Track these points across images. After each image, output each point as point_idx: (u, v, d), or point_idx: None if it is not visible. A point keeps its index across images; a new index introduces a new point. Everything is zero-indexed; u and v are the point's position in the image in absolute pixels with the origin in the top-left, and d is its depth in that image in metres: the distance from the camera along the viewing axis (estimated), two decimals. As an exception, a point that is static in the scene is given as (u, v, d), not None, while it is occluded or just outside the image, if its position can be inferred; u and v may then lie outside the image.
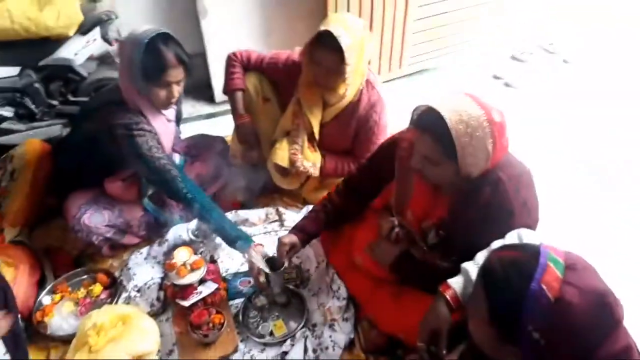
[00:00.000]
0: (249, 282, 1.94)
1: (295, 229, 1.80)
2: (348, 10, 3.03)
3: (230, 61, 2.24)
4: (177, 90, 1.86)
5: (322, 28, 1.85)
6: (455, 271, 1.38)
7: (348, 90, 2.01)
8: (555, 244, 0.96)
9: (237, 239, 1.78)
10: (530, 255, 0.91)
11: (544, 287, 0.84)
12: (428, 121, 1.35)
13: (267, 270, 1.71)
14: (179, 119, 2.28)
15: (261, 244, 1.82)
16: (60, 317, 1.82)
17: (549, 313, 0.84)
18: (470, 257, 1.37)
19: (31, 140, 2.30)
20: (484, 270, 0.97)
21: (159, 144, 1.91)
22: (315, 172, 2.20)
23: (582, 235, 2.23)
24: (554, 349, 0.85)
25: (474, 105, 1.31)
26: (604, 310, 0.85)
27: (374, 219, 1.79)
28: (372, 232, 1.76)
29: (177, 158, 2.20)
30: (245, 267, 1.98)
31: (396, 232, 1.64)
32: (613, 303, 0.86)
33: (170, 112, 2.09)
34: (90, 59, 2.70)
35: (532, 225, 1.40)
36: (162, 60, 1.76)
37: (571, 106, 3.36)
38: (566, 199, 2.46)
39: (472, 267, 1.32)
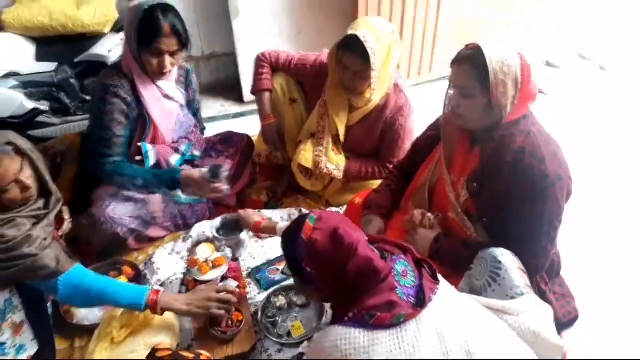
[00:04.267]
0: (277, 269, 1.98)
1: (373, 207, 1.84)
2: (379, 14, 3.02)
3: (259, 61, 2.26)
4: (169, 60, 1.94)
5: (350, 31, 1.85)
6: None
7: (374, 94, 2.01)
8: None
9: (176, 182, 2.03)
10: (300, 219, 1.30)
11: (303, 236, 1.23)
12: (465, 53, 1.49)
13: (204, 171, 1.99)
14: (195, 109, 2.32)
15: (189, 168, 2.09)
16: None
17: (307, 250, 1.22)
18: (500, 217, 1.51)
19: (68, 134, 2.36)
20: (281, 242, 1.37)
21: (126, 117, 2.01)
22: (339, 174, 2.21)
23: (614, 241, 2.18)
24: (320, 273, 1.23)
25: (508, 45, 1.47)
26: (336, 238, 1.22)
27: (399, 217, 1.80)
28: (400, 229, 1.77)
29: (182, 147, 2.23)
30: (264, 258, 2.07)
31: (429, 218, 1.67)
32: (343, 232, 1.22)
33: (174, 92, 2.15)
34: (124, 56, 2.77)
35: (563, 185, 1.47)
36: (156, 27, 1.86)
37: (607, 115, 3.26)
38: (599, 207, 2.39)
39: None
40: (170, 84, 2.11)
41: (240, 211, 2.03)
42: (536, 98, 1.50)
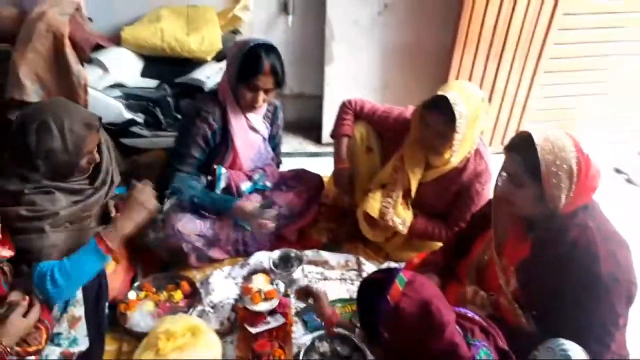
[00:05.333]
0: None
1: (431, 265, 1.82)
2: (470, 79, 3.02)
3: (344, 107, 2.32)
4: (262, 97, 2.03)
5: (440, 92, 1.86)
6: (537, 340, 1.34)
7: (454, 157, 1.99)
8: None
9: (226, 210, 2.07)
10: (386, 276, 1.20)
11: (389, 298, 1.13)
12: (516, 140, 1.45)
13: (261, 211, 2.02)
14: (275, 144, 2.40)
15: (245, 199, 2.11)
16: (140, 314, 1.91)
17: (390, 315, 1.13)
18: (549, 313, 1.40)
19: (157, 150, 2.53)
20: (358, 289, 1.28)
21: (207, 143, 2.11)
22: (403, 229, 2.17)
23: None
24: (396, 343, 1.14)
25: (564, 134, 1.40)
26: (426, 313, 1.12)
27: (454, 290, 1.73)
28: (452, 302, 1.69)
29: (256, 175, 2.30)
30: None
31: (481, 296, 1.59)
32: (435, 309, 1.12)
33: (260, 125, 2.23)
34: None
35: (621, 290, 1.33)
36: (257, 64, 1.95)
37: None
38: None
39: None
40: (258, 117, 2.22)
41: (318, 296, 1.75)
42: (596, 190, 1.40)
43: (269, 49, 1.99)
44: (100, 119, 1.67)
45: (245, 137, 2.19)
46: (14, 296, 1.42)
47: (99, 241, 1.60)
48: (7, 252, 1.44)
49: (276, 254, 2.17)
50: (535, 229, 1.49)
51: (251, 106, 2.07)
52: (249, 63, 1.96)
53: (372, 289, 1.20)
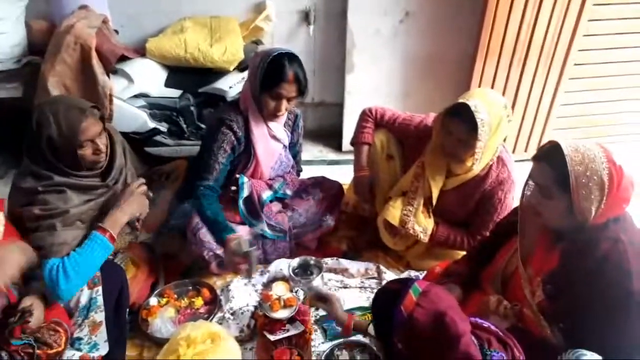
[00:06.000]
0: None
1: (453, 276, 1.79)
2: (492, 86, 2.99)
3: (365, 116, 2.32)
4: (285, 105, 2.03)
5: (461, 100, 1.84)
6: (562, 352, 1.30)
7: (476, 165, 1.96)
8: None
9: (221, 238, 1.98)
10: (401, 286, 1.18)
11: (402, 308, 1.12)
12: (544, 150, 1.41)
13: (240, 249, 1.90)
14: (296, 152, 2.42)
15: (239, 235, 1.99)
16: (162, 320, 1.93)
17: (403, 326, 1.12)
18: (576, 326, 1.36)
19: (182, 161, 2.56)
20: (373, 299, 1.28)
21: (233, 150, 2.13)
22: (424, 238, 2.15)
23: None
24: (410, 353, 1.12)
25: (595, 144, 1.35)
26: (440, 324, 1.10)
27: (477, 298, 1.70)
28: (475, 311, 1.66)
29: (277, 184, 2.31)
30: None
31: (505, 306, 1.55)
32: (449, 320, 1.10)
33: (281, 133, 2.24)
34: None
35: None
36: (281, 73, 1.96)
37: None
38: None
39: None
40: (279, 125, 2.23)
41: (331, 300, 1.75)
42: (629, 202, 1.35)
43: (292, 57, 2.01)
44: (96, 107, 1.69)
45: (267, 146, 2.21)
46: (27, 302, 1.44)
47: (103, 232, 1.64)
48: None
49: (296, 261, 2.17)
50: (564, 240, 1.45)
51: (274, 115, 2.09)
52: (273, 72, 1.98)
53: (387, 299, 1.19)
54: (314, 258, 2.19)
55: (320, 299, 1.69)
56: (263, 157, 2.21)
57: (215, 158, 2.11)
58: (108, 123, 1.76)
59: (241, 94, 2.18)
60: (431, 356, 1.10)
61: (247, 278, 2.07)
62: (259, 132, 2.16)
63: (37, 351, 1.35)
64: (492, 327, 1.24)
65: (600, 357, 1.27)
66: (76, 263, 1.56)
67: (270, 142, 2.22)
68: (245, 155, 2.20)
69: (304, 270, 2.14)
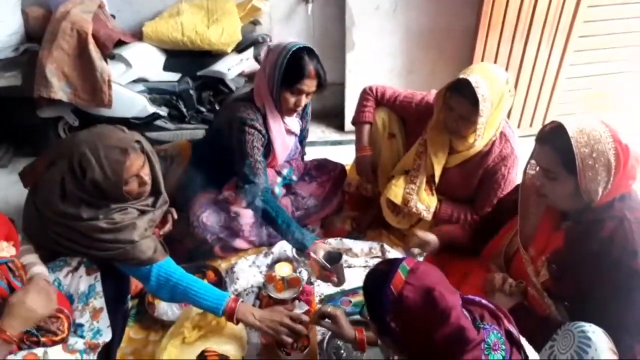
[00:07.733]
0: (350, 301, 1.95)
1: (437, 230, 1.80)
2: (495, 61, 2.94)
3: (365, 94, 2.29)
4: (304, 100, 2.00)
5: (462, 75, 1.81)
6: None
7: (478, 140, 1.94)
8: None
9: (303, 246, 1.88)
10: (389, 266, 1.17)
11: (392, 287, 1.11)
12: (549, 132, 1.37)
13: (327, 265, 1.80)
14: (303, 137, 2.39)
15: (322, 241, 1.93)
16: (168, 303, 1.93)
17: (394, 305, 1.11)
18: (582, 305, 1.35)
19: (182, 141, 2.53)
20: (363, 281, 1.25)
21: (262, 146, 2.06)
22: (427, 216, 2.14)
23: None
24: (404, 332, 1.12)
25: (600, 123, 1.31)
26: (430, 299, 1.09)
27: (480, 275, 1.69)
28: (478, 288, 1.66)
29: (285, 170, 2.31)
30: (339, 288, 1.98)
31: (510, 284, 1.54)
32: (438, 294, 1.09)
33: (295, 126, 2.22)
34: (241, 75, 2.95)
35: None
36: (302, 69, 1.91)
37: None
38: None
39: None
40: (293, 120, 2.21)
41: (336, 317, 1.61)
42: (636, 179, 1.32)
43: (310, 51, 1.95)
44: (139, 141, 1.60)
45: (283, 140, 2.19)
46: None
47: (231, 302, 1.62)
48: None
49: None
50: (569, 219, 1.43)
51: (293, 110, 2.05)
52: (294, 68, 1.92)
53: (377, 280, 1.18)
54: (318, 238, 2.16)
55: (324, 316, 1.63)
56: (279, 150, 2.20)
57: (255, 158, 2.03)
58: (145, 142, 1.66)
59: (254, 91, 2.10)
60: (425, 332, 1.09)
61: (337, 287, 1.97)
62: (276, 128, 2.12)
63: (43, 338, 1.36)
64: (484, 302, 1.23)
65: (600, 329, 1.27)
66: (179, 282, 1.62)
67: (286, 136, 2.20)
68: (264, 149, 2.16)
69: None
